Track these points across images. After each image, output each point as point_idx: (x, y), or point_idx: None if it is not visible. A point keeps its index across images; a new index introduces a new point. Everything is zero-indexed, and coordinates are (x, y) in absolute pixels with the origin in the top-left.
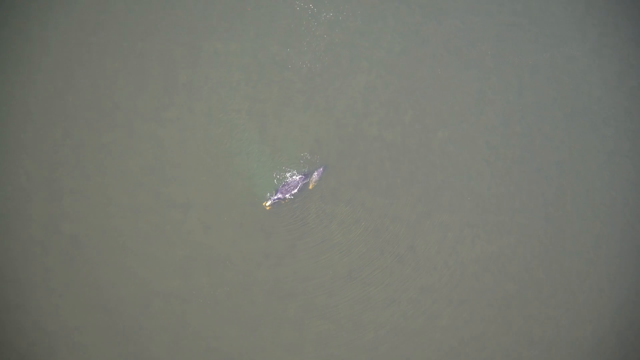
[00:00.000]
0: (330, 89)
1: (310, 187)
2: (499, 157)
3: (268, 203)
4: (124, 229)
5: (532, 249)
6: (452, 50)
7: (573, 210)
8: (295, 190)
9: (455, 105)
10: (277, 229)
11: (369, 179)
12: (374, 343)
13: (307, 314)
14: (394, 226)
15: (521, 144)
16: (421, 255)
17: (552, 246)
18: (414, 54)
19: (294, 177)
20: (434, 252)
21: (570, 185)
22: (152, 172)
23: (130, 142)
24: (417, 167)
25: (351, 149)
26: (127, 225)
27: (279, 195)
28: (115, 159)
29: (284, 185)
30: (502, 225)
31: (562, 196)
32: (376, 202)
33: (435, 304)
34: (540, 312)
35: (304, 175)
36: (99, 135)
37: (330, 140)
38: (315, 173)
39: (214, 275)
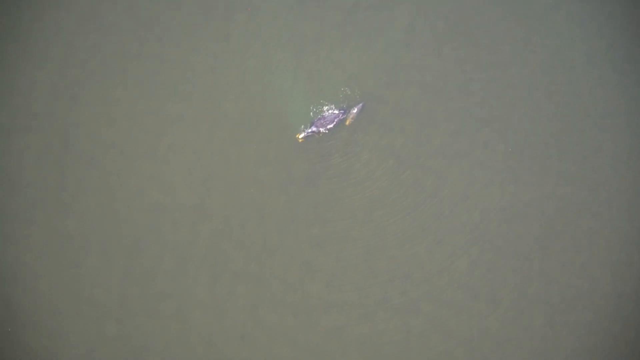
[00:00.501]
0: (373, 24)
1: (347, 122)
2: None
3: (301, 135)
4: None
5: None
6: None
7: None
8: (332, 125)
9: (501, 46)
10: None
11: (407, 118)
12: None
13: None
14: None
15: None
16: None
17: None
18: None
19: (331, 111)
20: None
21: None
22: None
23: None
24: (454, 109)
25: (391, 87)
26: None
27: (314, 129)
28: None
29: (319, 119)
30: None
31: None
32: (410, 142)
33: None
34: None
35: (343, 110)
36: None
37: (371, 77)
38: (355, 109)
39: (234, 197)
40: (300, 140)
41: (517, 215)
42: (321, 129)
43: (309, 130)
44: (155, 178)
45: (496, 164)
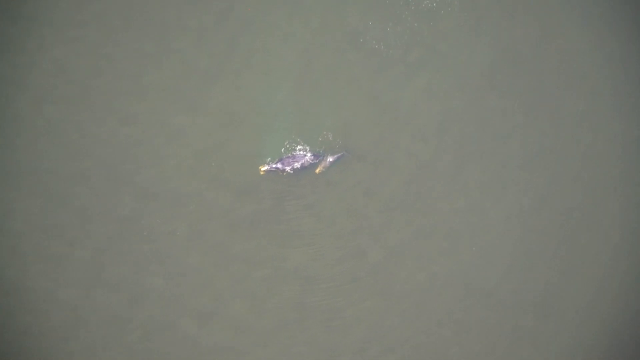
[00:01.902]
0: (386, 80)
1: (317, 170)
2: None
3: (264, 168)
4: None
5: None
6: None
7: None
8: (299, 167)
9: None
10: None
11: (382, 186)
12: None
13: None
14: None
15: None
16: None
17: None
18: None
19: (304, 153)
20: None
21: None
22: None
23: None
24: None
25: (378, 149)
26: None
27: (278, 165)
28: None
29: (288, 157)
30: None
31: None
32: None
33: None
34: None
35: (317, 155)
36: None
37: (362, 130)
38: (331, 158)
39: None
40: (261, 173)
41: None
42: (287, 168)
43: (274, 165)
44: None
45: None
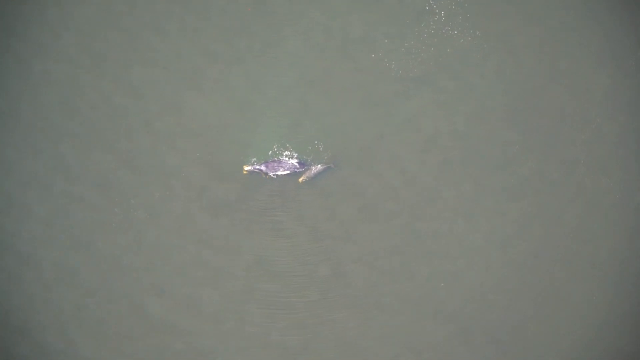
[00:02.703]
0: (392, 111)
1: (301, 180)
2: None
3: (247, 168)
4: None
5: None
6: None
7: None
8: (282, 173)
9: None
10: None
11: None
12: None
13: None
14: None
15: None
16: None
17: None
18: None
19: (290, 159)
20: None
21: None
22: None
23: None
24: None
25: (368, 171)
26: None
27: (262, 167)
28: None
29: (273, 161)
30: None
31: None
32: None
33: None
34: None
35: (303, 164)
36: None
37: (355, 146)
38: (315, 168)
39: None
40: (244, 172)
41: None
42: (270, 172)
43: (257, 167)
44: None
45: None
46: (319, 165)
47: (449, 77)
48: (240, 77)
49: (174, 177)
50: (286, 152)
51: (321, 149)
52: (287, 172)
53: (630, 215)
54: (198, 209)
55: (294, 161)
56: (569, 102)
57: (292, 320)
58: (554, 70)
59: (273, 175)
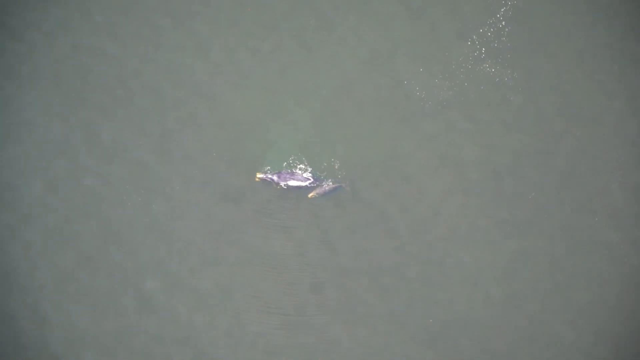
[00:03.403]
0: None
1: (310, 195)
2: None
3: (260, 175)
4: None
5: None
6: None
7: None
8: (293, 185)
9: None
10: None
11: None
12: None
13: None
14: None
15: None
16: None
17: None
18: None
19: (304, 173)
20: None
21: None
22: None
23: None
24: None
25: (378, 193)
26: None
27: (274, 177)
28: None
29: (287, 172)
30: None
31: None
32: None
33: None
34: None
35: (315, 179)
36: None
37: (371, 170)
38: (327, 185)
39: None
40: (256, 179)
41: None
42: (281, 183)
43: (270, 176)
44: None
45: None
46: (331, 183)
47: (474, 112)
48: (277, 78)
49: (189, 166)
50: (300, 165)
51: (336, 167)
52: (298, 184)
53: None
54: (202, 198)
55: (307, 175)
56: (583, 171)
57: (271, 325)
58: (576, 138)
59: (284, 186)
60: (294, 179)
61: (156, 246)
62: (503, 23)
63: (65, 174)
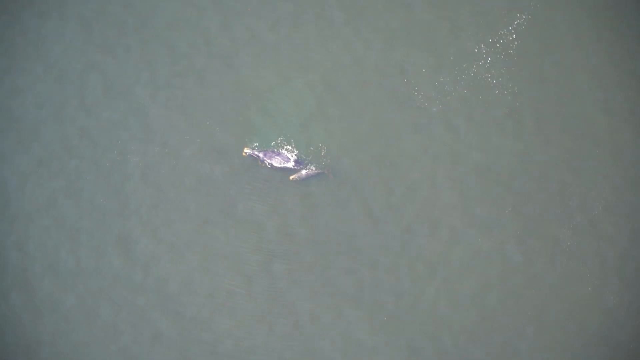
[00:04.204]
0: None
1: (292, 177)
2: None
3: (247, 151)
4: None
5: None
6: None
7: None
8: (276, 165)
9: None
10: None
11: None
12: None
13: None
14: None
15: None
16: None
17: None
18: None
19: (289, 155)
20: None
21: None
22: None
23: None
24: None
25: (362, 185)
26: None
27: (261, 155)
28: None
29: (273, 152)
30: None
31: None
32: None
33: None
34: None
35: (299, 162)
36: None
37: (357, 161)
38: (307, 170)
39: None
40: (244, 153)
41: None
42: (266, 160)
43: (257, 153)
44: None
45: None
46: (314, 168)
47: (467, 120)
48: (279, 58)
49: (178, 135)
50: (287, 147)
51: (323, 153)
52: (283, 165)
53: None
54: (187, 168)
55: (292, 157)
56: (572, 188)
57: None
58: (567, 157)
59: (268, 164)
60: (279, 159)
61: (139, 191)
62: (514, 36)
63: (60, 110)
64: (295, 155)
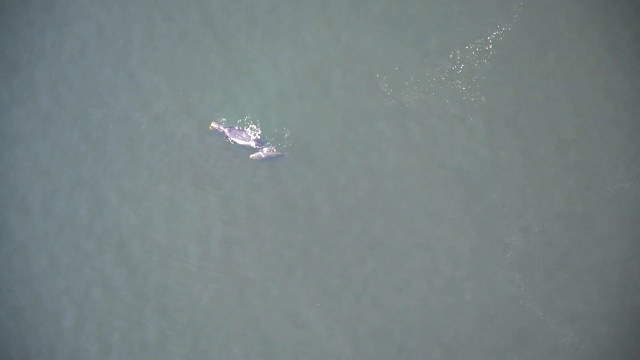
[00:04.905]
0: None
1: (251, 156)
2: None
3: (214, 125)
4: None
5: None
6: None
7: None
8: (239, 142)
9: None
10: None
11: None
12: None
13: None
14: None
15: None
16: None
17: None
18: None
19: (252, 134)
20: None
21: None
22: None
23: None
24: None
25: (317, 175)
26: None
27: (225, 131)
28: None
29: (238, 129)
30: None
31: None
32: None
33: None
34: None
35: (260, 142)
36: None
37: (322, 148)
38: (267, 149)
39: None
40: (210, 128)
41: None
42: (229, 137)
43: (222, 128)
44: None
45: None
46: (274, 149)
47: (430, 123)
48: (257, 38)
49: (152, 101)
50: (252, 126)
51: (286, 135)
52: (245, 143)
53: None
54: (154, 135)
55: (254, 137)
56: (526, 196)
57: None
58: (519, 168)
59: (231, 141)
60: (242, 137)
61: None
62: (490, 46)
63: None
64: (259, 135)
